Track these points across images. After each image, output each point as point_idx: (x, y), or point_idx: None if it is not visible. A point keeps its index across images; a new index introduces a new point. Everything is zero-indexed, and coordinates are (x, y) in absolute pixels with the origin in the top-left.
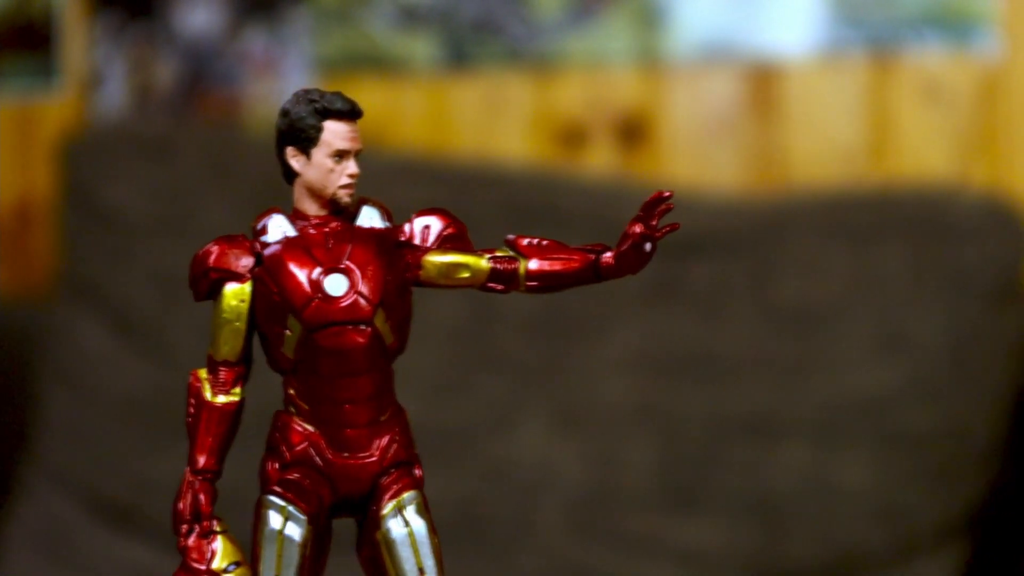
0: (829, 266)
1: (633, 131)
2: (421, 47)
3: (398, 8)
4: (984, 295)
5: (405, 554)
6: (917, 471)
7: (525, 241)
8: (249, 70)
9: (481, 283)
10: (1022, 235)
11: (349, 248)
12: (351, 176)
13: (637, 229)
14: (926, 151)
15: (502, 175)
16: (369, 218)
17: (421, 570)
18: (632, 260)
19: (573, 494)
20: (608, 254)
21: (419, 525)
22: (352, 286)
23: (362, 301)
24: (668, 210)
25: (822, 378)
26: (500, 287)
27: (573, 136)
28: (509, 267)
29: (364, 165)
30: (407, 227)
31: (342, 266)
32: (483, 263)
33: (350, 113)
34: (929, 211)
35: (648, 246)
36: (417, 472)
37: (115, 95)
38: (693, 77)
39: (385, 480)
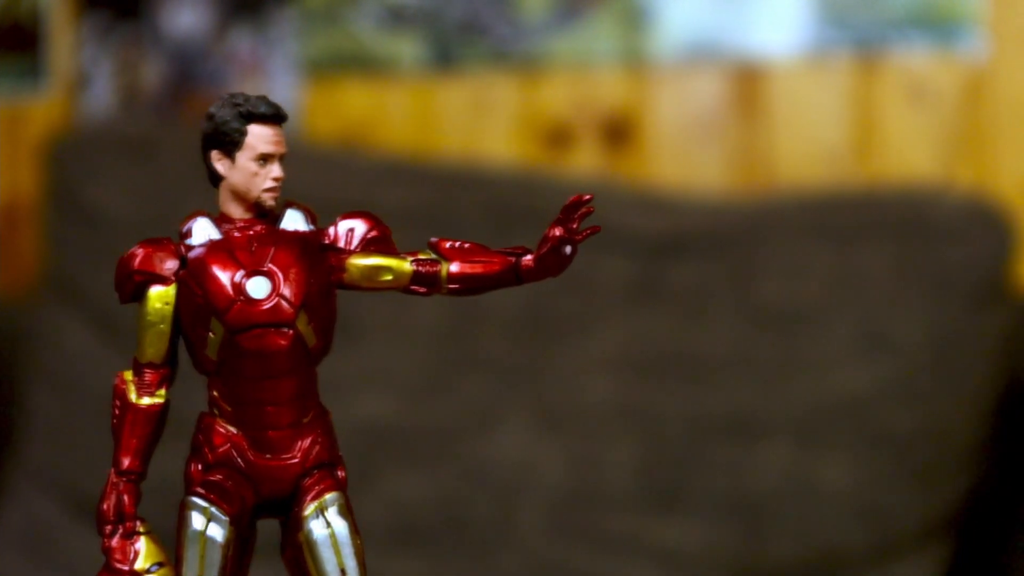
0: (811, 267)
1: (619, 132)
2: (407, 48)
3: (384, 9)
4: (966, 296)
5: (327, 555)
6: (898, 472)
7: (447, 244)
8: (235, 71)
9: (404, 286)
10: (1005, 236)
11: (272, 251)
12: (275, 179)
13: (557, 232)
14: (911, 152)
15: (485, 176)
16: (293, 221)
17: (343, 571)
18: (552, 263)
19: (554, 494)
20: (528, 257)
21: (341, 526)
22: (274, 289)
23: (284, 304)
24: (589, 213)
25: (804, 378)
26: (423, 289)
27: (559, 137)
28: (431, 270)
29: (349, 166)
30: (332, 230)
31: (265, 269)
32: (406, 266)
33: (274, 117)
34: (912, 212)
35: (568, 249)
36: (340, 473)
37: (102, 96)
38: (678, 78)
39: (307, 481)
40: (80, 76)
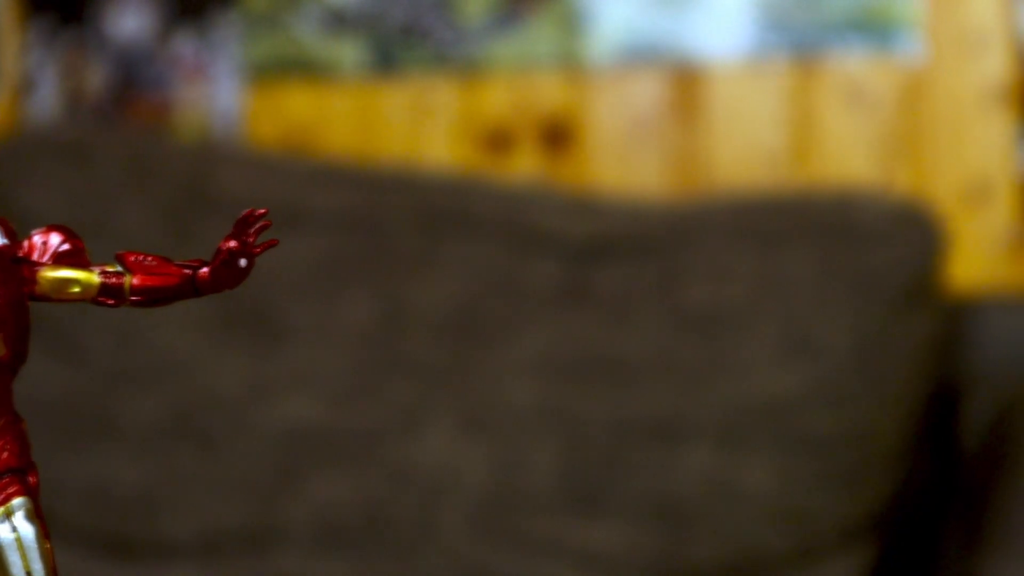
0: (737, 270)
1: (558, 135)
2: (348, 52)
3: (326, 13)
4: (892, 299)
5: (13, 559)
6: (822, 474)
7: (132, 257)
8: (179, 75)
9: (93, 297)
10: (932, 238)
11: None
12: None
13: (229, 245)
14: (849, 155)
15: (420, 180)
16: None
17: (29, 573)
18: (226, 275)
19: (477, 497)
20: (204, 269)
21: (27, 531)
22: None
23: None
24: (265, 227)
25: (727, 381)
26: (110, 301)
27: (499, 140)
28: (116, 282)
29: (286, 169)
30: (27, 243)
31: None
32: (94, 278)
33: None
34: (839, 215)
35: (243, 262)
36: (31, 479)
37: (47, 101)
38: (617, 81)
39: None
40: (26, 81)
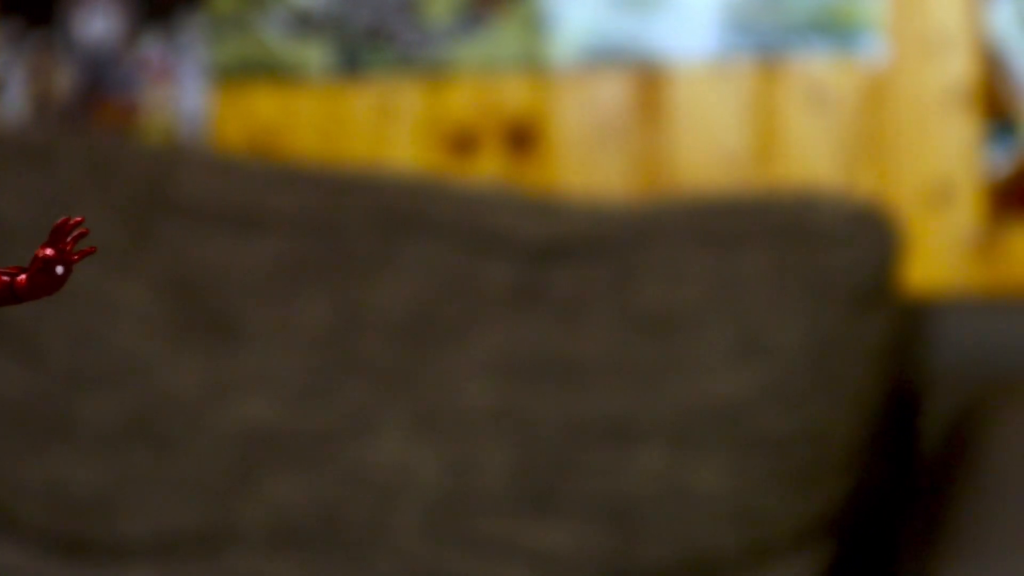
0: (692, 271)
1: (523, 137)
2: (314, 54)
3: (292, 15)
4: (846, 300)
5: None
6: (775, 475)
7: None
8: (146, 77)
9: None
10: (888, 238)
11: None
12: None
13: (45, 253)
14: (812, 157)
15: (379, 182)
16: None
17: None
18: (42, 282)
19: (431, 498)
20: (22, 276)
21: None
22: None
23: None
24: (82, 235)
25: (681, 382)
26: None
27: (463, 143)
28: None
29: (246, 171)
30: None
31: None
32: None
33: None
34: (796, 217)
35: (60, 269)
36: None
37: (15, 103)
38: (582, 83)
39: None
40: None
